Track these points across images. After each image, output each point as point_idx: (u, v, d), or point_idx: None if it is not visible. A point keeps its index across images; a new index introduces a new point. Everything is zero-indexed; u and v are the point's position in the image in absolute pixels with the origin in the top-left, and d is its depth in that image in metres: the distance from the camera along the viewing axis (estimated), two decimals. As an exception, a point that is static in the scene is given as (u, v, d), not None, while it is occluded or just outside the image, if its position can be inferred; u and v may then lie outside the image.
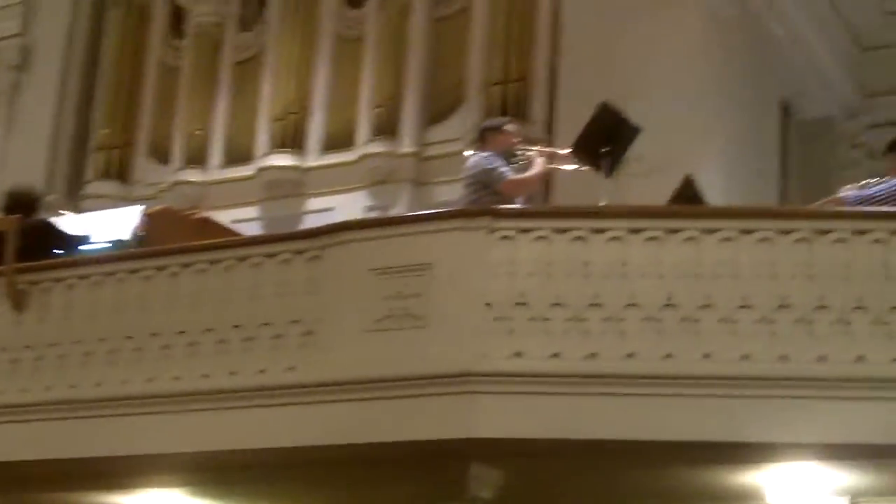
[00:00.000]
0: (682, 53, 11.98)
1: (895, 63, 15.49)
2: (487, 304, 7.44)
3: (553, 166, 9.30)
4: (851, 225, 7.49)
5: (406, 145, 13.53)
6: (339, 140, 14.07)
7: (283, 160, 14.19)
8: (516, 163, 9.13)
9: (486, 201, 8.61)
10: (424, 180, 13.42)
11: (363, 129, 13.85)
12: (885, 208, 8.00)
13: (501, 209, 7.92)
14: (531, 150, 9.29)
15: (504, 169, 8.92)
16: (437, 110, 13.66)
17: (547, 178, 9.40)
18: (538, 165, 9.03)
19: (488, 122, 9.74)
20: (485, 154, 9.03)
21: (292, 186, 14.11)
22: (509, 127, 9.44)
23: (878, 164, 11.56)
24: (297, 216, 13.66)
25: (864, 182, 9.13)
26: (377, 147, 13.60)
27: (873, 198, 8.37)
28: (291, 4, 14.63)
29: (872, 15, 15.61)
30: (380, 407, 7.42)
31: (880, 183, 8.61)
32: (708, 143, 11.64)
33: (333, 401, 7.56)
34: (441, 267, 7.60)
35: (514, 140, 9.30)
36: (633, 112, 10.32)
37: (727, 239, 7.48)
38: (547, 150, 9.63)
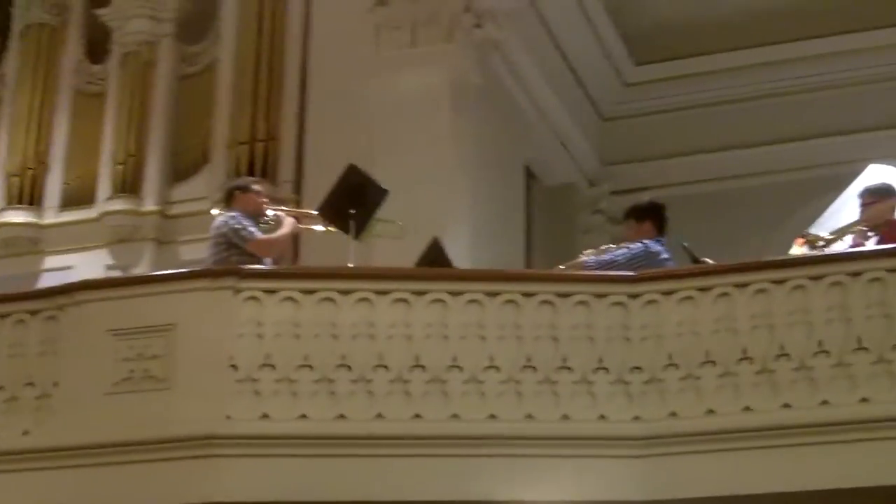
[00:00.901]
0: (429, 116, 12.08)
1: (634, 133, 15.99)
2: (233, 366, 7.35)
3: (302, 227, 9.26)
4: (592, 288, 7.64)
5: (149, 203, 13.28)
6: (78, 197, 13.71)
7: (19, 216, 13.75)
8: (265, 223, 9.09)
9: (234, 261, 8.54)
10: (168, 239, 13.18)
11: (104, 185, 13.52)
12: (622, 272, 8.18)
13: (247, 270, 7.85)
14: (279, 211, 9.27)
15: (252, 228, 8.87)
16: (181, 168, 13.46)
17: (295, 239, 9.33)
18: (287, 226, 9.01)
19: (235, 181, 9.68)
20: (232, 213, 8.95)
21: (29, 244, 13.67)
22: (257, 187, 9.41)
23: (619, 229, 11.91)
24: (33, 275, 13.23)
25: (604, 247, 9.35)
26: (119, 205, 13.30)
27: (612, 262, 8.55)
28: (31, 57, 14.24)
29: (613, 87, 16.09)
30: (119, 472, 7.24)
31: (619, 248, 8.80)
32: (455, 207, 11.75)
33: (69, 466, 7.37)
34: (185, 328, 7.49)
35: (262, 200, 9.27)
36: (381, 174, 10.40)
37: (473, 301, 7.55)
38: (295, 210, 9.59)
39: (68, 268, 12.92)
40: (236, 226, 8.82)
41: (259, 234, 8.87)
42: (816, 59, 15.23)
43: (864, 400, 7.14)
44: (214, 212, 9.48)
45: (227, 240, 8.79)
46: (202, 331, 7.45)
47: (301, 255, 11.14)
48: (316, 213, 9.29)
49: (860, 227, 8.85)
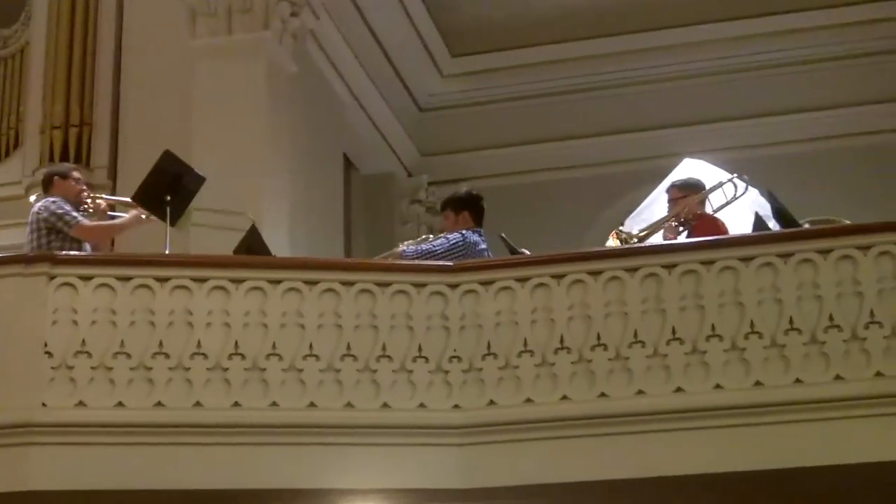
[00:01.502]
0: (246, 104, 11.98)
1: (451, 124, 16.12)
2: (48, 353, 7.23)
3: (145, 220, 9.07)
4: (411, 278, 7.70)
5: (-40, 187, 12.96)
6: None
7: None
8: (84, 210, 8.96)
9: (56, 247, 8.41)
10: (-20, 224, 12.90)
11: (-87, 169, 13.17)
12: (441, 262, 8.25)
13: (61, 256, 7.72)
14: (100, 198, 9.16)
15: (75, 213, 8.75)
16: (-7, 151, 13.17)
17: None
18: (131, 216, 8.88)
19: (54, 167, 9.51)
20: (53, 199, 8.81)
21: None
22: (76, 174, 9.29)
23: (437, 219, 11.99)
24: None
25: (422, 237, 9.43)
26: (-71, 188, 12.96)
27: (431, 252, 8.62)
28: None
29: (430, 78, 16.19)
30: (-70, 461, 7.05)
31: (438, 238, 8.88)
32: (273, 195, 11.69)
33: None
34: (-2, 314, 7.31)
35: (81, 187, 9.17)
36: (198, 161, 10.31)
37: (292, 289, 7.55)
38: (112, 198, 9.48)
39: None
40: (58, 210, 8.70)
41: (84, 220, 8.75)
42: (631, 53, 15.53)
43: (678, 390, 7.32)
44: (32, 198, 9.31)
45: (48, 225, 8.65)
46: (16, 317, 7.31)
47: (116, 241, 10.96)
48: (129, 199, 9.17)
49: (670, 223, 9.07)
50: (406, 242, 9.21)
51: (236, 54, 12.18)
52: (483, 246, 8.73)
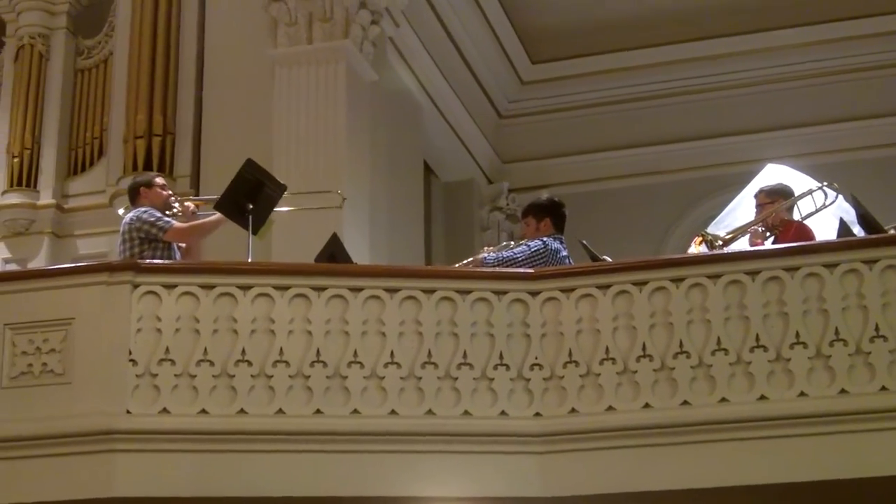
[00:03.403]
0: (326, 112, 12.04)
1: (532, 131, 16.11)
2: (132, 361, 7.29)
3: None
4: (492, 285, 7.66)
5: (45, 197, 13.11)
6: (-27, 190, 13.54)
7: (-89, 210, 13.50)
8: (173, 215, 9.04)
9: (148, 256, 8.49)
10: (65, 233, 13.03)
11: (-1, 179, 13.38)
12: (522, 269, 8.23)
13: (144, 264, 7.76)
14: (187, 202, 9.24)
15: (167, 218, 8.85)
16: (78, 162, 13.32)
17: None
18: (215, 216, 8.94)
19: (138, 178, 9.56)
20: (143, 208, 8.91)
21: (-78, 238, 13.45)
22: (160, 181, 9.34)
23: (518, 226, 11.96)
24: (-73, 269, 13.01)
25: (503, 244, 9.42)
26: (14, 198, 13.11)
27: (512, 259, 8.61)
28: (-78, 49, 14.02)
29: (510, 85, 16.19)
30: (17, 468, 7.12)
31: (518, 245, 8.86)
32: (353, 202, 11.74)
33: (-36, 461, 7.24)
34: (83, 322, 7.39)
35: (167, 193, 9.24)
36: (279, 169, 10.38)
37: (373, 297, 7.55)
38: (199, 198, 9.56)
39: (-37, 262, 12.80)
40: (150, 218, 8.78)
41: (176, 223, 8.84)
42: (715, 59, 15.45)
43: (762, 398, 7.24)
44: (121, 211, 9.39)
45: (140, 234, 8.74)
46: (101, 325, 7.36)
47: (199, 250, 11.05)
48: (213, 206, 9.22)
49: (756, 227, 9.01)
50: (487, 249, 9.20)
51: (317, 62, 12.25)
52: (564, 253, 8.71)
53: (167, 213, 9.02)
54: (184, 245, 9.05)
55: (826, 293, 7.34)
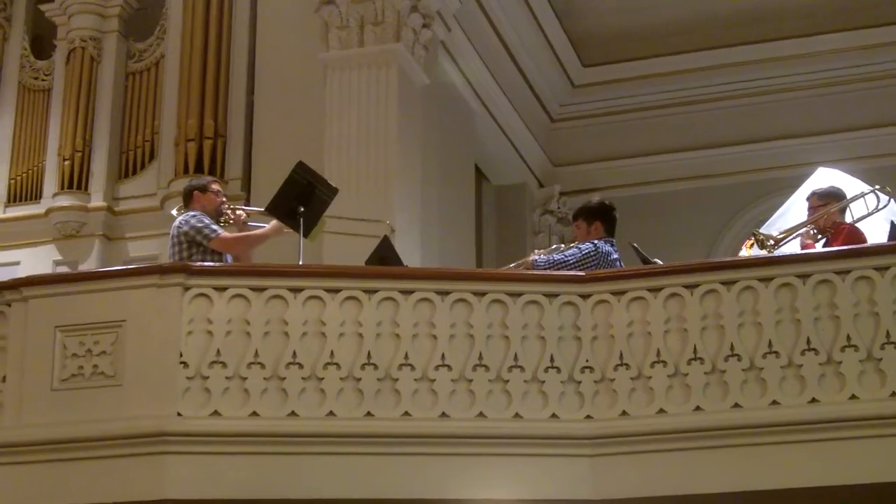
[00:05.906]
0: (377, 115, 12.07)
1: (583, 134, 16.09)
2: (183, 363, 7.30)
3: (284, 231, 9.10)
4: (543, 288, 7.66)
5: (96, 199, 13.21)
6: (25, 192, 13.63)
7: (-36, 212, 13.65)
8: (224, 222, 9.06)
9: (198, 259, 8.51)
10: (116, 235, 13.14)
11: (51, 181, 13.45)
12: (572, 272, 8.20)
13: (195, 267, 7.76)
14: (239, 210, 9.25)
15: (215, 226, 8.85)
16: (129, 164, 13.41)
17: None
18: (272, 226, 8.95)
19: (193, 181, 9.58)
20: (193, 213, 8.93)
21: (-26, 240, 13.59)
22: (216, 186, 9.35)
23: (568, 229, 11.94)
24: (-21, 271, 13.12)
25: (554, 247, 9.40)
26: (66, 200, 13.23)
27: (563, 262, 8.58)
28: (-27, 54, 14.15)
29: (561, 88, 16.17)
30: (69, 470, 7.16)
31: (569, 248, 8.83)
32: (404, 205, 11.75)
33: (16, 463, 7.27)
34: (134, 324, 7.41)
35: (221, 199, 9.25)
36: (330, 172, 10.39)
37: (424, 299, 7.54)
38: (251, 208, 9.58)
39: (15, 263, 12.90)
40: (198, 224, 8.79)
41: (223, 232, 8.85)
42: (766, 62, 15.39)
43: (813, 401, 7.20)
44: (174, 212, 9.41)
45: (189, 239, 8.77)
46: (151, 327, 7.38)
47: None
48: (263, 210, 9.23)
49: (808, 230, 8.96)
50: (537, 252, 9.17)
51: (368, 66, 12.27)
52: (615, 256, 8.67)
53: (220, 219, 9.04)
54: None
55: (877, 296, 7.29)
